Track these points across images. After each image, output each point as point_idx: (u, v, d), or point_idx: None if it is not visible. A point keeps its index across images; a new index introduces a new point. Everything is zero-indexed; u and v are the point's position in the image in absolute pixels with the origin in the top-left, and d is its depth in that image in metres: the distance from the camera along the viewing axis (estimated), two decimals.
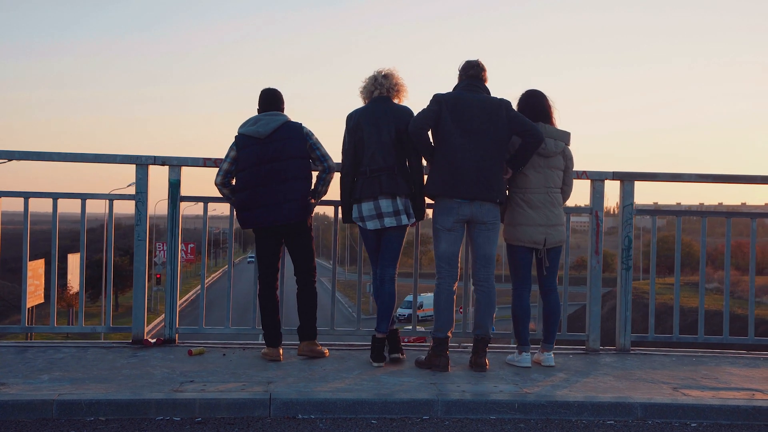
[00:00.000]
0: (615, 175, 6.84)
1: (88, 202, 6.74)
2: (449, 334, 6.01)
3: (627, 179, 6.87)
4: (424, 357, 6.10)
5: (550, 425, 4.98)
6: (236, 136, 6.22)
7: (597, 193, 6.83)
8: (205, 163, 6.62)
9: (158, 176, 6.79)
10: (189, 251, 70.18)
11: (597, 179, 6.81)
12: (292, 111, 6.39)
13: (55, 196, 6.64)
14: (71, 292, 44.05)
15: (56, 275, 6.70)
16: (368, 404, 5.07)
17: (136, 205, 6.57)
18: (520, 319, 6.26)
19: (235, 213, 6.40)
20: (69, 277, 43.96)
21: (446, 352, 5.97)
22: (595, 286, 6.88)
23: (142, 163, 6.56)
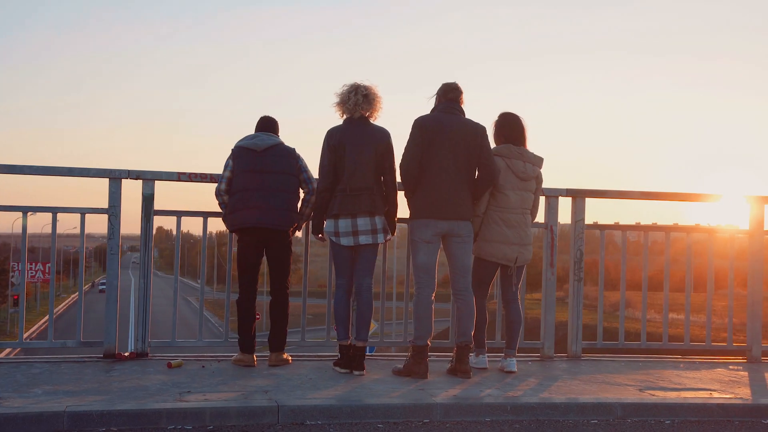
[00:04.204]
0: (568, 192, 7.29)
1: None
2: (428, 342, 6.28)
3: (579, 196, 7.32)
4: (401, 365, 6.35)
5: (542, 425, 5.31)
6: (234, 149, 6.51)
7: (551, 209, 7.25)
8: (180, 177, 6.69)
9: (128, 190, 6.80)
10: (47, 271, 67.78)
11: (551, 195, 7.23)
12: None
13: (25, 210, 6.58)
14: None
15: (25, 291, 6.62)
16: (371, 409, 5.29)
17: (109, 219, 6.57)
18: (479, 326, 6.60)
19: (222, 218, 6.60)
20: None
21: (426, 360, 6.23)
22: (550, 296, 7.28)
23: (116, 177, 6.57)
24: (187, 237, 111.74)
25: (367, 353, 6.94)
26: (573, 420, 5.46)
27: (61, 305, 67.93)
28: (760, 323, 7.76)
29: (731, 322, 7.78)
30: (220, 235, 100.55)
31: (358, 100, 6.33)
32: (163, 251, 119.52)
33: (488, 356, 6.82)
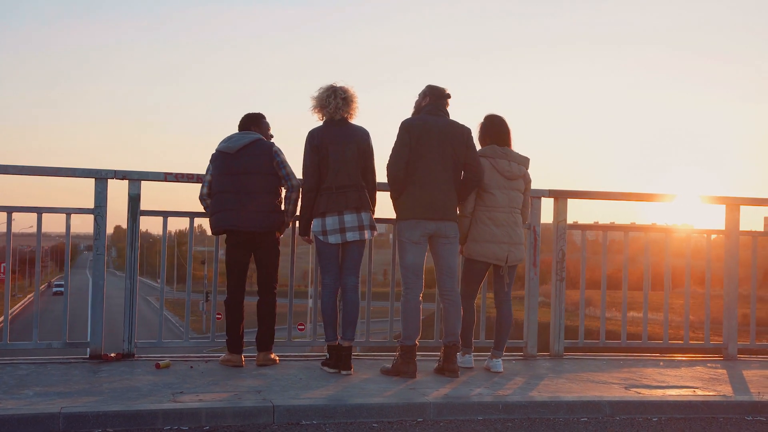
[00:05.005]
0: (551, 193, 7.38)
1: None
2: (417, 342, 6.33)
3: (561, 197, 7.42)
4: (389, 365, 6.40)
5: (534, 423, 5.38)
6: (213, 153, 6.48)
7: (534, 209, 7.33)
8: (166, 177, 6.68)
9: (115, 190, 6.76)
10: (2, 270, 66.34)
11: (534, 196, 7.30)
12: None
13: (10, 210, 6.53)
14: None
15: (9, 292, 6.55)
16: (366, 409, 5.32)
17: (95, 219, 6.53)
18: (467, 325, 6.67)
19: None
20: None
21: (414, 360, 6.28)
22: (533, 295, 7.37)
23: (102, 177, 6.54)
24: (146, 236, 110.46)
25: None
26: (564, 418, 5.54)
27: (17, 305, 66.70)
28: (736, 322, 7.92)
29: (708, 320, 7.93)
30: (179, 234, 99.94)
31: (338, 104, 6.35)
32: (121, 251, 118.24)
33: (473, 355, 6.87)
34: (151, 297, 77.87)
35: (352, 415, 5.27)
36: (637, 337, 7.99)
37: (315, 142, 6.33)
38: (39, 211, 6.60)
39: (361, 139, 6.37)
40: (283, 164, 6.47)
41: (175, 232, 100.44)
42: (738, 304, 7.96)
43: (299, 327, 41.31)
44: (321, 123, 6.43)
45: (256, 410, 5.15)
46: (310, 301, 30.26)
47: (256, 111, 6.69)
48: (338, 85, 6.42)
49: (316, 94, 6.43)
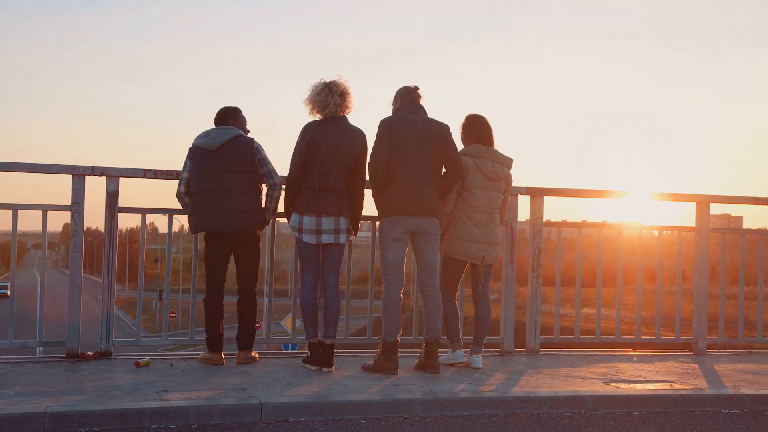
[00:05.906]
0: (527, 191, 7.44)
1: None
2: (398, 339, 6.34)
3: (537, 194, 7.48)
4: (371, 362, 6.41)
5: (518, 419, 5.42)
6: (190, 147, 6.40)
7: (511, 207, 7.37)
8: (145, 174, 6.62)
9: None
10: None
11: (511, 193, 7.35)
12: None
13: None
14: None
15: None
16: (353, 405, 5.32)
17: (72, 216, 6.45)
18: (452, 321, 6.71)
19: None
20: None
21: (396, 356, 6.30)
22: (510, 292, 7.43)
23: (79, 174, 6.46)
24: (95, 233, 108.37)
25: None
26: (547, 413, 5.60)
27: None
28: (706, 317, 8.05)
29: (679, 316, 8.05)
30: (131, 232, 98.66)
31: (336, 101, 6.27)
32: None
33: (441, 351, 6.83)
34: (101, 295, 76.67)
35: (339, 411, 5.27)
36: (610, 332, 8.09)
37: (308, 137, 6.26)
38: (14, 207, 6.49)
39: (352, 145, 6.31)
40: (264, 162, 6.40)
41: (126, 230, 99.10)
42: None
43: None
44: (319, 117, 6.35)
45: (244, 408, 5.13)
46: (266, 300, 30.00)
47: (232, 105, 6.61)
48: (329, 80, 6.33)
49: (309, 94, 6.32)
